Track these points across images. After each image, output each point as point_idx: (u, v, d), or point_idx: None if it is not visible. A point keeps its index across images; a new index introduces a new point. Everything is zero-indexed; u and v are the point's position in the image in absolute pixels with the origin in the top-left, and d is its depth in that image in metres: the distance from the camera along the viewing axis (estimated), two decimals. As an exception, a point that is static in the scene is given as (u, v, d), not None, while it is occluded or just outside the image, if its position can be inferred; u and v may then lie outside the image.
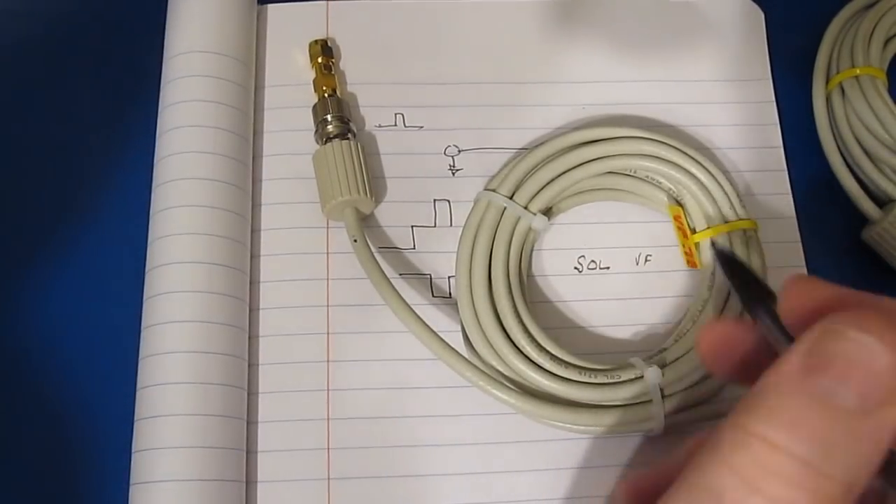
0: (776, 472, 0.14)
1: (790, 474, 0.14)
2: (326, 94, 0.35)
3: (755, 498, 0.15)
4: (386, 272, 0.31)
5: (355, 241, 0.32)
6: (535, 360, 0.30)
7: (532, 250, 0.34)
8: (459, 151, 0.36)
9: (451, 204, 0.35)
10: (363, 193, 0.32)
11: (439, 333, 0.30)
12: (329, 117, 0.34)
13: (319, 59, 0.35)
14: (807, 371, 0.15)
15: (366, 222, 0.34)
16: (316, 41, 0.36)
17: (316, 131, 0.34)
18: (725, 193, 0.33)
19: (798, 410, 0.15)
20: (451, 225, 0.34)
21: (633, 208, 0.35)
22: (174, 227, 0.31)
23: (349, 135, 0.34)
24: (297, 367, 0.31)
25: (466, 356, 0.30)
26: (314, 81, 0.35)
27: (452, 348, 0.30)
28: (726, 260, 0.24)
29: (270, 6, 0.37)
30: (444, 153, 0.35)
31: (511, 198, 0.33)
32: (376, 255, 0.32)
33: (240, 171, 0.33)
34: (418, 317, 0.30)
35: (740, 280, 0.23)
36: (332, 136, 0.34)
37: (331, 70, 0.35)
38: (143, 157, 0.33)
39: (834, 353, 0.15)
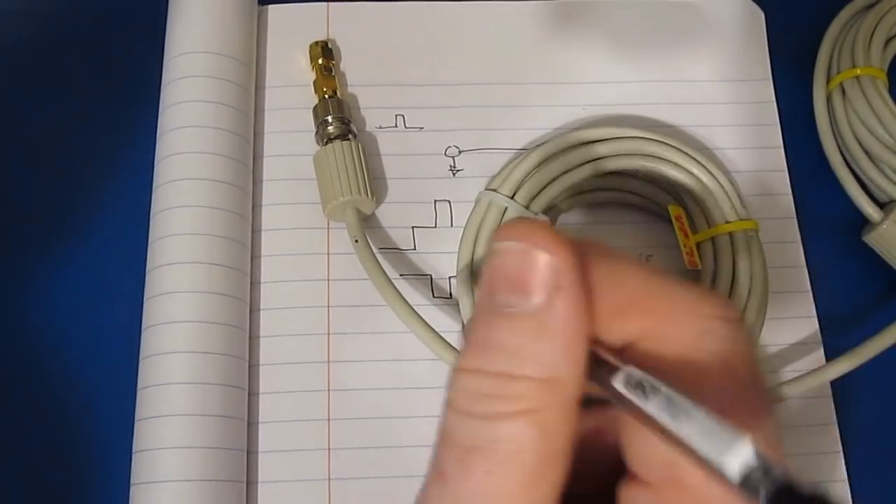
0: (479, 393, 0.15)
1: (490, 390, 0.15)
2: (327, 96, 0.35)
3: (470, 421, 0.15)
4: (387, 273, 0.31)
5: (356, 241, 0.32)
6: (536, 360, 0.30)
7: (533, 250, 0.34)
8: (460, 152, 0.36)
9: (452, 204, 0.35)
10: (364, 194, 0.32)
11: (440, 333, 0.30)
12: (329, 118, 0.34)
13: (320, 61, 0.35)
14: (486, 295, 0.16)
15: (366, 223, 0.34)
16: (316, 43, 0.36)
17: (316, 132, 0.34)
18: (726, 193, 0.33)
19: (486, 332, 0.16)
20: (451, 225, 0.34)
21: (634, 208, 0.35)
22: (175, 227, 0.31)
23: (350, 136, 0.34)
24: (298, 367, 0.31)
25: (467, 356, 0.30)
26: (315, 83, 0.35)
27: (454, 348, 0.30)
28: None
29: (271, 7, 0.37)
30: (445, 154, 0.35)
31: (512, 198, 0.33)
32: (377, 255, 0.32)
33: (240, 172, 0.33)
34: (420, 317, 0.30)
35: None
36: (332, 136, 0.34)
37: (331, 71, 0.35)
38: (143, 157, 0.33)
39: (498, 269, 0.16)
